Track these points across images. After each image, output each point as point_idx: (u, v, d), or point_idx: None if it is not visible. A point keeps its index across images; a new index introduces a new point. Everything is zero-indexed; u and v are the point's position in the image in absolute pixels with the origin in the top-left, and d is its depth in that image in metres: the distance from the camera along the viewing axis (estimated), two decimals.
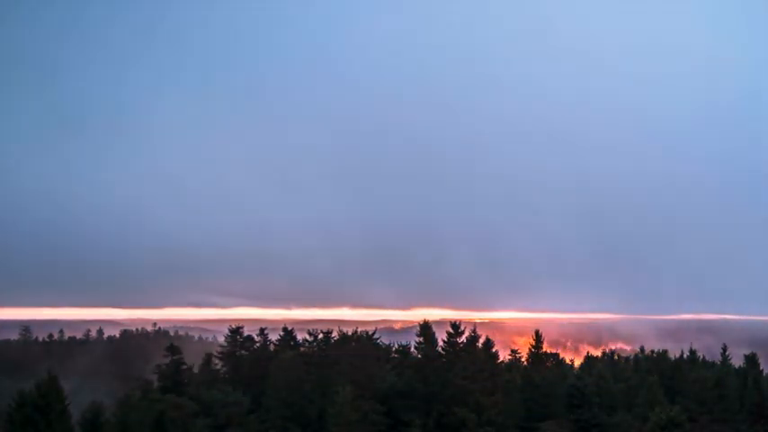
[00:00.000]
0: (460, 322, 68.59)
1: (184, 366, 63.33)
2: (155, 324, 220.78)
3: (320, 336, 69.24)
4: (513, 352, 74.53)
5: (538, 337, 70.41)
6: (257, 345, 68.09)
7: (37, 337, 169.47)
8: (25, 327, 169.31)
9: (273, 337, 69.28)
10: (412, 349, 68.33)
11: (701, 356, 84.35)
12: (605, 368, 73.28)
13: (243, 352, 67.17)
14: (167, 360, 62.61)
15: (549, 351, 71.44)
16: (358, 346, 66.78)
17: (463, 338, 67.75)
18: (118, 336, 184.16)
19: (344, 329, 70.02)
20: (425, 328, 68.56)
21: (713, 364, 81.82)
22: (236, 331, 67.79)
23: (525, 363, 71.30)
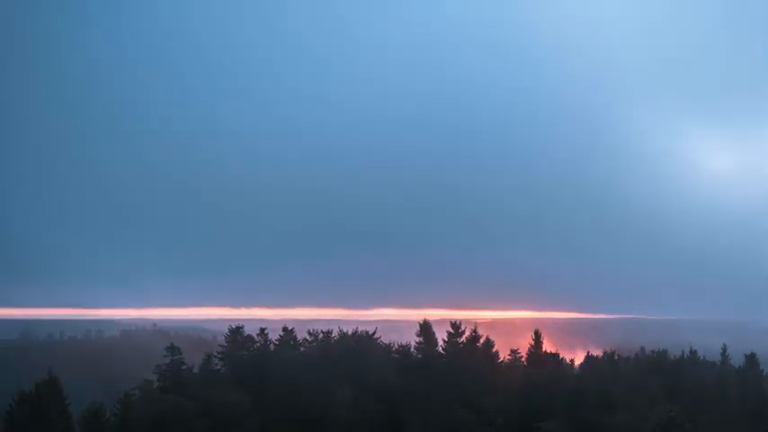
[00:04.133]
0: (461, 322, 68.75)
1: (184, 366, 63.32)
2: (155, 324, 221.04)
3: (320, 336, 69.24)
4: (513, 352, 74.45)
5: (538, 337, 70.37)
6: (257, 345, 68.04)
7: (37, 337, 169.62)
8: (25, 327, 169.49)
9: (273, 337, 69.26)
10: (412, 349, 68.35)
11: (702, 356, 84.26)
12: (605, 368, 73.19)
13: (243, 352, 67.13)
14: (167, 360, 62.61)
15: (549, 351, 71.37)
16: (358, 346, 66.82)
17: (463, 338, 67.84)
18: (118, 336, 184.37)
19: (344, 329, 70.06)
20: (425, 328, 68.61)
21: (713, 364, 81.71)
22: (236, 331, 67.74)
23: (525, 363, 71.24)
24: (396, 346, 69.27)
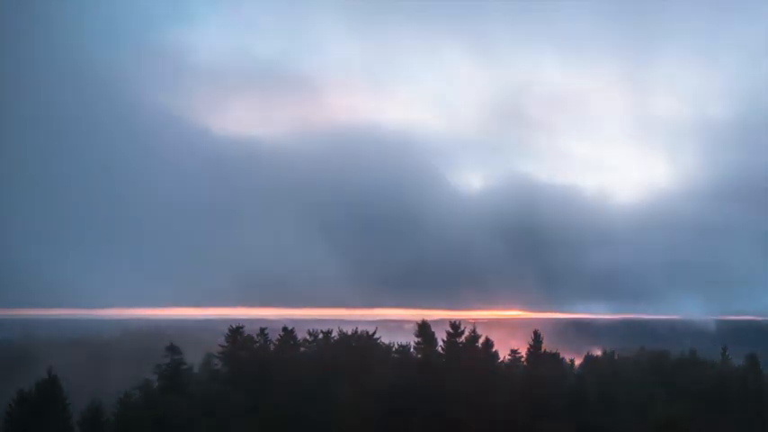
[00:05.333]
0: (460, 322, 68.79)
1: (184, 366, 63.34)
2: (155, 324, 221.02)
3: (320, 336, 69.27)
4: (513, 352, 74.52)
5: (538, 337, 70.44)
6: (257, 345, 68.07)
7: (37, 337, 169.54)
8: (25, 327, 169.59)
9: (273, 337, 69.28)
10: (412, 349, 68.38)
11: (701, 356, 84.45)
12: (605, 368, 73.33)
13: (243, 352, 67.16)
14: (167, 360, 62.64)
15: (548, 351, 71.41)
16: (358, 346, 66.84)
17: (463, 338, 67.88)
18: (118, 336, 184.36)
19: (344, 329, 70.08)
20: (425, 328, 68.65)
21: (713, 364, 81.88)
22: (236, 331, 67.76)
23: (525, 363, 71.28)
24: (396, 346, 69.29)
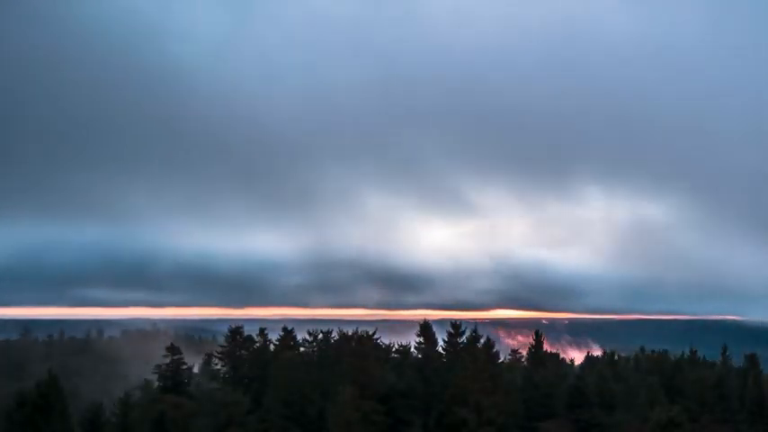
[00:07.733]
0: (461, 322, 68.79)
1: (184, 366, 63.45)
2: (155, 324, 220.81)
3: (320, 336, 69.28)
4: (514, 352, 74.54)
5: (538, 337, 70.41)
6: (257, 345, 68.09)
7: (37, 337, 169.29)
8: (25, 327, 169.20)
9: (273, 337, 69.34)
10: (412, 349, 68.38)
11: (701, 356, 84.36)
12: (605, 368, 73.24)
13: (243, 352, 67.18)
14: (167, 360, 62.71)
15: (549, 351, 71.40)
16: (358, 346, 66.78)
17: (463, 338, 67.84)
18: (118, 336, 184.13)
19: (344, 329, 70.08)
20: (425, 328, 68.64)
21: (713, 364, 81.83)
22: (236, 331, 67.81)
23: (525, 363, 71.26)
24: (396, 346, 69.27)
